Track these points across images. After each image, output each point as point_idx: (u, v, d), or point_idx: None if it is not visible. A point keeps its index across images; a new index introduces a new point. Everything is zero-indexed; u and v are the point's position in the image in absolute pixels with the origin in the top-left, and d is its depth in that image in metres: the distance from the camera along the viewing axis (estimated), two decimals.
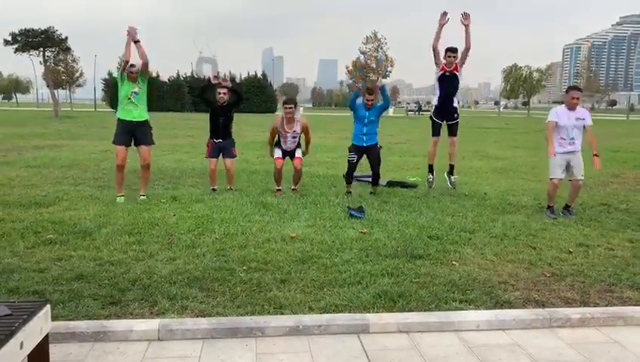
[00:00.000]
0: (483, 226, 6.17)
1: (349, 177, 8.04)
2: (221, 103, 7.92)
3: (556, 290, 4.26)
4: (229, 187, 8.11)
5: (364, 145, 7.89)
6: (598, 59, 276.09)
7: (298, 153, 8.07)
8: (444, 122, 8.16)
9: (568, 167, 6.84)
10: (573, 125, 6.71)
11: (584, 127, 6.74)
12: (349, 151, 8.03)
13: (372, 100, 7.78)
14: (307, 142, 8.27)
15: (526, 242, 5.57)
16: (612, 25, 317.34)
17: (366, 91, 7.99)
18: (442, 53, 7.86)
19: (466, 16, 7.85)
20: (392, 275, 4.43)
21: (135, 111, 7.14)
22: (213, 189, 8.01)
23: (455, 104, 8.15)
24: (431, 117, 8.29)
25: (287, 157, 8.09)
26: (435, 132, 8.17)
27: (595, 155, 6.72)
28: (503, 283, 4.36)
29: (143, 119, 7.24)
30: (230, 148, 8.12)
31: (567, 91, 6.91)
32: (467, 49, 7.90)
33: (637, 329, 3.76)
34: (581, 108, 6.81)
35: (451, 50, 7.84)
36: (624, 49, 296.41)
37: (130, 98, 7.08)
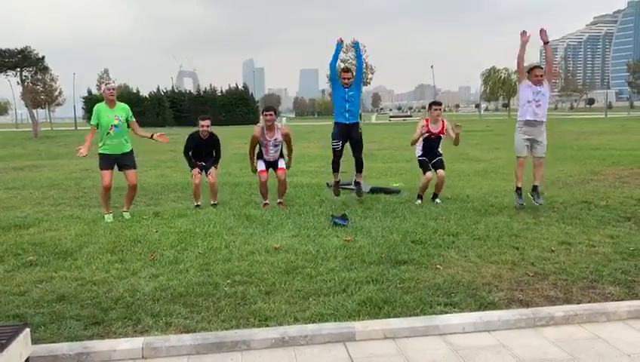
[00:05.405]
0: (466, 229, 6.21)
1: (336, 165, 8.00)
2: (204, 137, 7.92)
3: (539, 289, 4.29)
4: (213, 202, 8.01)
5: (347, 122, 7.82)
6: (574, 58, 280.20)
7: (281, 164, 7.96)
8: (430, 162, 8.08)
9: (533, 144, 7.26)
10: (539, 90, 7.07)
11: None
12: (333, 139, 7.95)
13: (348, 78, 7.79)
14: (290, 152, 8.22)
15: (509, 243, 5.61)
16: (586, 25, 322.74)
17: (342, 70, 8.04)
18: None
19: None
20: (377, 282, 4.44)
21: (117, 144, 7.05)
22: (197, 206, 7.90)
23: (439, 149, 8.12)
24: (418, 159, 8.21)
25: (271, 169, 8.00)
26: (426, 169, 8.05)
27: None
28: (486, 284, 4.39)
29: (128, 150, 7.18)
30: (213, 164, 8.11)
31: (529, 72, 7.21)
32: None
33: (620, 324, 3.80)
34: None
35: (435, 104, 8.08)
36: (599, 48, 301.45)
37: (109, 132, 6.96)
